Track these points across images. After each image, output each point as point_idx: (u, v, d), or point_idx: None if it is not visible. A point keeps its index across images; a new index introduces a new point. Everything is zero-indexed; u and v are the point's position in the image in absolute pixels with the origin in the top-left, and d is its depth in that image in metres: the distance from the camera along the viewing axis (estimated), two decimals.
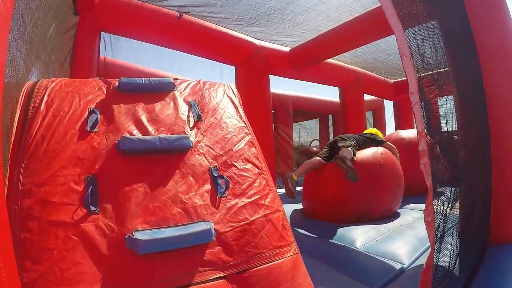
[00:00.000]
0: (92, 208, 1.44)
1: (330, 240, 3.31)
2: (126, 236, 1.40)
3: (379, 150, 4.20)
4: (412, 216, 4.16)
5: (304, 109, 10.76)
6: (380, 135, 4.83)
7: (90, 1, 4.37)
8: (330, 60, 7.49)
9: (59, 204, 1.41)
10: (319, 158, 4.27)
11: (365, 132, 5.13)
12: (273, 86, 6.91)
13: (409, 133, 5.97)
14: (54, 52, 3.19)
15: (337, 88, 8.91)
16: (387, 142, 4.53)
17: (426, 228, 1.48)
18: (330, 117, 12.39)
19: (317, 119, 13.50)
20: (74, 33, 4.30)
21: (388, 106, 12.06)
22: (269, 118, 6.71)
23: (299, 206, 4.86)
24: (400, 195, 4.25)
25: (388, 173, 4.02)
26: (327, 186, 4.06)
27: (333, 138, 4.86)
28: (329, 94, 10.31)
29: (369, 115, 11.81)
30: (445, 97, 2.02)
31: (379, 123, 11.78)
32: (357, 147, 4.15)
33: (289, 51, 6.97)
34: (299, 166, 4.41)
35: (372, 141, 4.45)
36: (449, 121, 1.99)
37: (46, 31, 2.80)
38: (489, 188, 2.58)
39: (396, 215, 4.20)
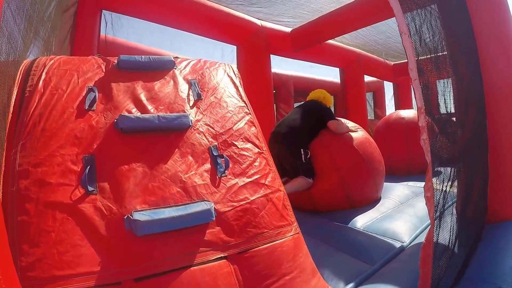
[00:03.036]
0: (90, 188, 1.42)
1: (330, 221, 3.30)
2: (124, 217, 1.39)
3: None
4: (412, 194, 4.14)
5: (305, 89, 10.70)
6: (328, 96, 4.18)
7: None
8: (331, 41, 7.43)
9: (57, 184, 1.39)
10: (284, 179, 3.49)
11: (308, 98, 4.35)
12: (274, 66, 6.84)
13: (409, 113, 5.96)
14: (54, 30, 3.15)
15: (338, 69, 8.85)
16: (334, 119, 3.77)
17: (426, 203, 1.47)
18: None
19: None
20: (74, 11, 4.22)
21: (388, 88, 12.05)
22: (270, 98, 6.68)
23: None
24: (382, 174, 3.93)
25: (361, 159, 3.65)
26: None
27: (274, 145, 3.65)
28: (330, 74, 10.25)
29: (369, 96, 11.79)
30: (444, 80, 2.01)
31: (379, 104, 11.78)
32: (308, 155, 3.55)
33: (290, 32, 6.90)
34: None
35: (318, 120, 3.75)
36: (447, 100, 1.98)
37: (46, 9, 2.75)
38: (486, 167, 2.60)
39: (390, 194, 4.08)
